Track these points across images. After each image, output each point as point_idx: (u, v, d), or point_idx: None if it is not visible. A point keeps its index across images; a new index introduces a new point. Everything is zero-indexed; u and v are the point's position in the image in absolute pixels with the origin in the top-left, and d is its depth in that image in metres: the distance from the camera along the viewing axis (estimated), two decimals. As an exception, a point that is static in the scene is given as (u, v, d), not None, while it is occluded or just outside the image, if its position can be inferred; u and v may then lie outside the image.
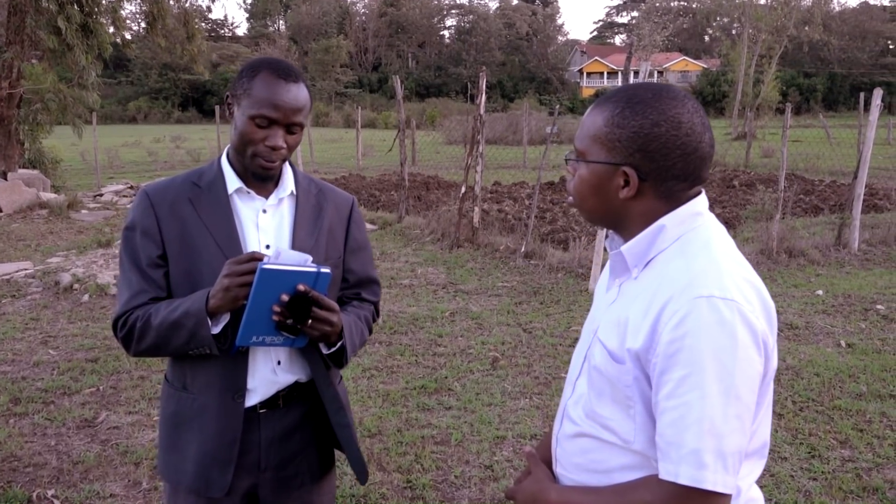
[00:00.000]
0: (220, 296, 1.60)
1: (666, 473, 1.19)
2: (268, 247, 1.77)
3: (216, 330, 1.65)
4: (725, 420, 1.16)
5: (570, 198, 1.43)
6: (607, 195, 1.34)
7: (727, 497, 1.18)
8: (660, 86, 1.34)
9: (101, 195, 14.65)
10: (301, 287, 1.57)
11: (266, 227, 1.79)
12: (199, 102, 61.01)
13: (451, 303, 6.89)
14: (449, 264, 8.43)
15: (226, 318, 1.67)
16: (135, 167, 22.12)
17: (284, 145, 1.69)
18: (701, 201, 1.34)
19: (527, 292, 7.24)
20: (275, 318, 1.59)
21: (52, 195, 13.26)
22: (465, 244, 9.24)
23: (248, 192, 1.78)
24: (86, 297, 6.93)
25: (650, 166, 1.29)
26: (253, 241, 1.77)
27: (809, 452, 3.94)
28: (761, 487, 3.51)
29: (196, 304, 1.63)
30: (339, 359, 1.78)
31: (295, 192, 1.83)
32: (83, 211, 12.76)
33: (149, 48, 54.00)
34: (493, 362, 5.31)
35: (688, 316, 1.18)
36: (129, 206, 13.47)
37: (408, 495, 3.54)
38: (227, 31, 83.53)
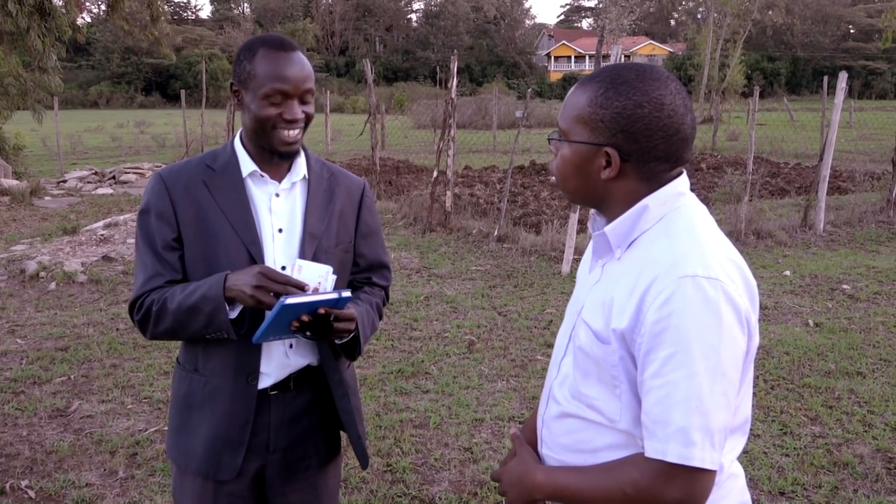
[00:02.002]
0: (243, 297, 1.59)
1: (653, 451, 1.20)
2: (280, 230, 1.76)
3: (233, 315, 1.64)
4: (712, 397, 1.18)
5: (553, 178, 1.42)
6: (589, 175, 1.34)
7: (713, 473, 1.20)
8: (643, 66, 1.34)
9: (65, 181, 14.37)
10: (322, 310, 1.60)
11: (279, 210, 1.78)
12: (163, 87, 59.94)
13: (426, 287, 6.89)
14: (422, 249, 8.42)
15: (241, 306, 1.66)
16: (98, 153, 21.68)
17: (302, 115, 1.69)
18: (682, 182, 1.35)
19: (500, 276, 7.26)
20: (293, 328, 1.62)
21: (14, 182, 12.94)
22: (438, 228, 9.23)
23: (262, 176, 1.77)
24: (53, 286, 6.80)
25: (632, 147, 1.29)
26: (266, 224, 1.76)
27: (781, 429, 4.02)
28: (736, 464, 3.59)
29: (214, 288, 1.62)
30: (352, 350, 1.79)
31: (307, 176, 1.82)
32: (46, 198, 12.50)
33: (110, 31, 52.90)
34: (469, 346, 5.32)
35: (673, 295, 1.19)
36: (94, 192, 13.26)
37: (388, 479, 3.54)
38: (189, 13, 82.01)
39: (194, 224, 1.72)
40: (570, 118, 1.35)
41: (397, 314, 6.04)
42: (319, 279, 1.61)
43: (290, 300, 1.53)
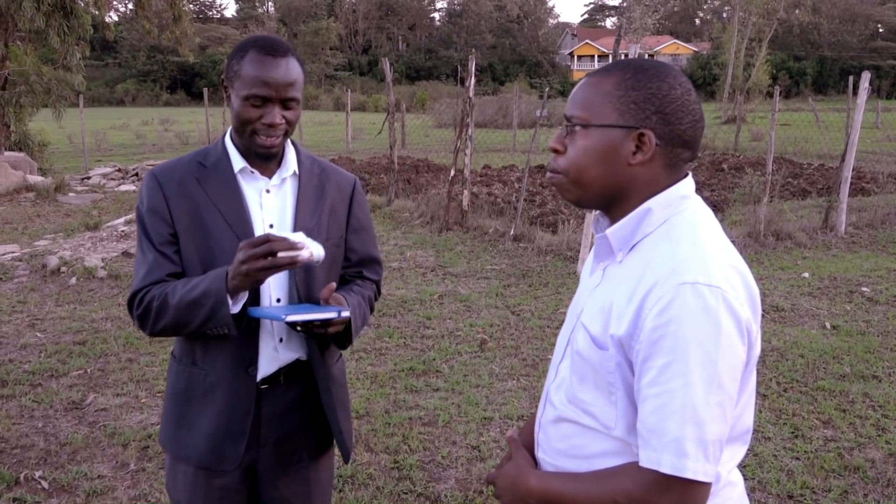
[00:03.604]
0: (240, 279, 1.60)
1: (647, 461, 1.18)
2: (271, 226, 1.80)
3: (235, 309, 1.65)
4: (707, 408, 1.15)
5: (550, 175, 1.37)
6: (616, 162, 1.29)
7: (707, 485, 1.18)
8: (660, 61, 1.36)
9: (89, 178, 14.55)
10: (317, 322, 1.64)
11: (269, 206, 1.80)
12: (188, 85, 60.48)
13: (440, 285, 6.90)
14: (438, 247, 8.43)
15: (244, 298, 1.67)
16: (123, 150, 21.94)
17: (282, 121, 1.70)
18: (687, 184, 1.32)
19: (515, 275, 7.26)
20: (285, 322, 1.67)
21: (39, 178, 13.15)
22: (455, 227, 9.24)
23: (252, 173, 1.79)
24: (73, 280, 6.90)
25: (665, 129, 1.26)
26: (257, 220, 1.79)
27: (793, 432, 3.99)
28: (745, 467, 3.57)
29: (215, 283, 1.63)
30: (343, 340, 1.81)
31: (298, 171, 1.84)
32: (70, 194, 12.68)
33: (136, 30, 53.44)
34: (480, 344, 5.33)
35: (672, 303, 1.17)
36: (117, 188, 13.43)
37: (395, 476, 3.56)
38: (214, 12, 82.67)
39: (188, 219, 1.74)
40: (593, 104, 1.30)
41: (411, 312, 6.06)
42: (300, 240, 1.61)
43: (291, 317, 1.58)
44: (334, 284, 1.71)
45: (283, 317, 1.57)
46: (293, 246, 1.56)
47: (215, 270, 1.67)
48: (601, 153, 1.29)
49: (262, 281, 1.62)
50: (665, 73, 1.29)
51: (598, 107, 1.29)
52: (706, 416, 1.15)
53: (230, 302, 1.63)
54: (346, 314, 1.64)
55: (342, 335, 1.79)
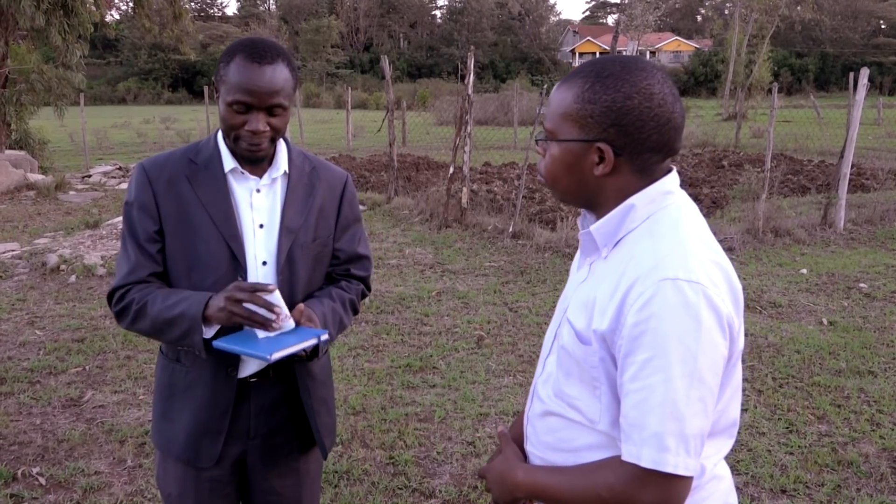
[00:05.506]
0: (221, 316, 1.64)
1: (628, 455, 1.20)
2: (261, 226, 1.80)
3: (209, 335, 1.68)
4: (688, 403, 1.17)
5: (541, 178, 1.40)
6: (581, 173, 1.32)
7: (688, 479, 1.19)
8: (628, 57, 1.32)
9: (90, 176, 14.57)
10: (303, 353, 1.69)
11: (259, 206, 1.81)
12: (189, 83, 60.47)
13: (438, 282, 6.92)
14: (437, 244, 8.45)
15: (218, 325, 1.70)
16: (124, 148, 21.95)
17: (266, 129, 1.68)
18: (671, 179, 1.33)
19: (514, 272, 7.27)
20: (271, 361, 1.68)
21: (40, 176, 13.17)
22: (454, 224, 9.25)
23: (243, 173, 1.79)
24: (73, 278, 6.92)
25: (625, 140, 1.26)
26: (247, 220, 1.79)
27: (787, 427, 4.00)
28: (738, 462, 3.58)
29: (193, 308, 1.65)
30: (312, 353, 1.83)
31: (288, 170, 1.84)
32: (71, 192, 12.69)
33: (138, 28, 53.49)
34: (478, 341, 5.34)
35: (653, 298, 1.18)
36: (117, 187, 13.45)
37: (390, 471, 3.58)
38: (216, 10, 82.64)
39: (175, 217, 1.75)
40: (557, 116, 1.32)
41: (409, 309, 6.08)
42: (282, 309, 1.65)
43: (276, 355, 1.59)
44: (302, 306, 1.72)
45: (269, 356, 1.58)
46: (269, 306, 1.61)
47: (197, 294, 1.69)
48: (567, 165, 1.33)
49: (241, 323, 1.65)
50: (623, 81, 1.26)
51: (562, 121, 1.32)
52: (687, 411, 1.17)
53: (204, 329, 1.66)
54: (325, 336, 1.68)
55: (312, 349, 1.81)
